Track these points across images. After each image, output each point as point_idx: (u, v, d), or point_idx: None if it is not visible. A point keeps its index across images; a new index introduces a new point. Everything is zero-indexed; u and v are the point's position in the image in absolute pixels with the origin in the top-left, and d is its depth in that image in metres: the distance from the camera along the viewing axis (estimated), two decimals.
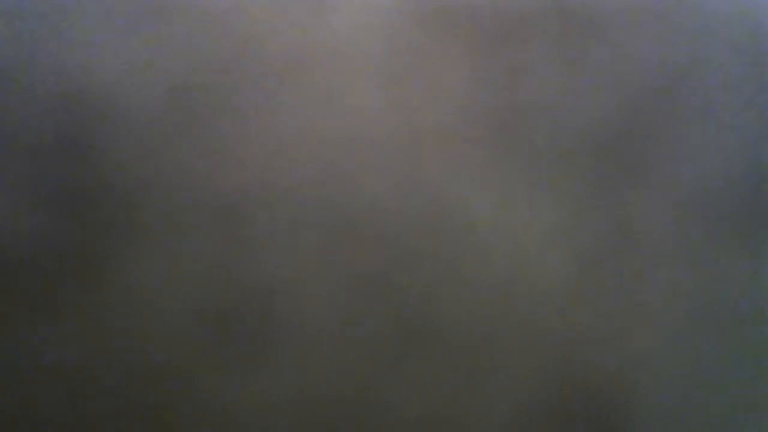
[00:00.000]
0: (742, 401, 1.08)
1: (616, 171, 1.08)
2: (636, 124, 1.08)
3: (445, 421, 1.06)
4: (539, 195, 1.07)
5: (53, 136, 1.03)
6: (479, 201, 1.06)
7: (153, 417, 1.03)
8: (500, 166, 1.07)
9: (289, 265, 1.05)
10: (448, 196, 1.06)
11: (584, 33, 1.08)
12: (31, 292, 1.03)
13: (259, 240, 1.04)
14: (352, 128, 1.06)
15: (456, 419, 1.06)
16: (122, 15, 1.04)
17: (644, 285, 1.08)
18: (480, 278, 1.06)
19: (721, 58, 1.09)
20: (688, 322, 1.08)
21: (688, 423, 1.08)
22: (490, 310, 1.06)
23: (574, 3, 1.08)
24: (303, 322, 1.05)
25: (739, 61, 1.09)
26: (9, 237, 1.02)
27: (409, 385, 1.05)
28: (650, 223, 1.08)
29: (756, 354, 1.08)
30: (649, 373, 1.07)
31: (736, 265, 1.08)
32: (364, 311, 1.05)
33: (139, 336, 1.03)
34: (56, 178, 1.03)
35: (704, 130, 1.09)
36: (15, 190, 1.03)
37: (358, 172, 1.06)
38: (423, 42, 1.06)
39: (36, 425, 1.02)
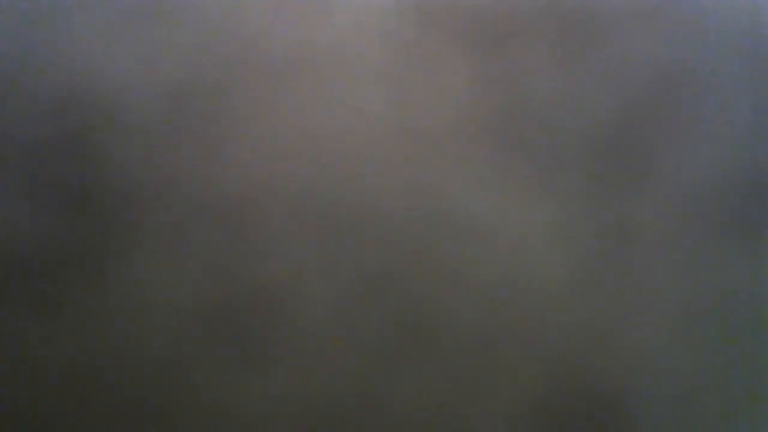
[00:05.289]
0: (741, 401, 1.08)
1: (616, 171, 1.08)
2: (636, 124, 1.08)
3: (445, 420, 1.06)
4: (539, 195, 1.07)
5: (53, 136, 1.03)
6: (479, 201, 1.06)
7: (153, 415, 1.03)
8: (500, 166, 1.07)
9: (290, 264, 1.05)
10: (448, 196, 1.06)
11: (584, 33, 1.08)
12: (31, 291, 1.03)
13: (259, 239, 1.04)
14: (352, 128, 1.06)
15: (456, 419, 1.06)
16: (123, 15, 1.05)
17: (644, 285, 1.08)
18: (480, 278, 1.06)
19: (721, 58, 1.09)
20: (688, 322, 1.08)
21: (688, 423, 1.08)
22: (490, 310, 1.06)
23: (573, 3, 1.08)
24: (303, 322, 1.05)
25: (739, 61, 1.09)
26: (9, 237, 1.03)
27: (409, 385, 1.05)
28: (650, 223, 1.08)
29: (756, 354, 1.08)
30: (649, 373, 1.07)
31: (736, 265, 1.09)
32: (364, 311, 1.05)
33: (139, 335, 1.03)
34: (56, 178, 1.03)
35: (704, 130, 1.09)
36: (15, 190, 1.03)
37: (358, 172, 1.06)
38: (423, 42, 1.07)
39: (37, 423, 1.03)
